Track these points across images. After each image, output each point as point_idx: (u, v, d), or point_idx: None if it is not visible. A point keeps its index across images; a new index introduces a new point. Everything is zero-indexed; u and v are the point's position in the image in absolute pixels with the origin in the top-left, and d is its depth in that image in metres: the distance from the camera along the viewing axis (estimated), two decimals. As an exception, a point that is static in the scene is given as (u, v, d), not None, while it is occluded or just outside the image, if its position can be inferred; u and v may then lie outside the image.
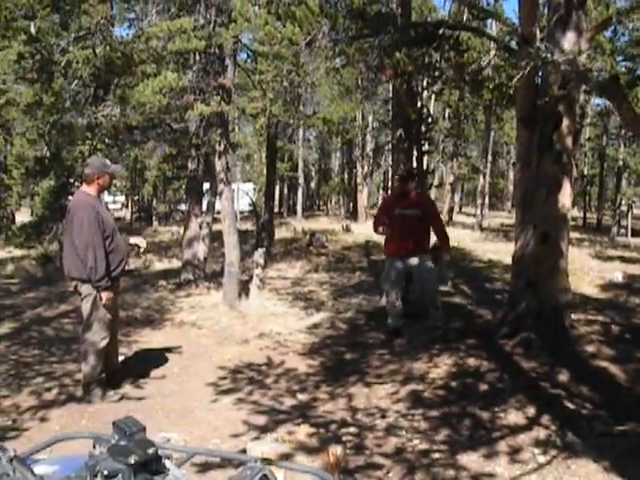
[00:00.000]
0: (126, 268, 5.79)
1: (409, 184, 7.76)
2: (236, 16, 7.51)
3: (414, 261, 7.54)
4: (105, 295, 5.30)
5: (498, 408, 5.08)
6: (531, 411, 4.99)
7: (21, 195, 14.89)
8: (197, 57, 9.50)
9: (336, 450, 2.78)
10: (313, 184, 44.47)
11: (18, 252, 14.58)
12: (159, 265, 14.88)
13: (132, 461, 1.22)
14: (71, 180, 13.06)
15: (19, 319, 8.56)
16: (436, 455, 4.20)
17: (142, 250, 6.38)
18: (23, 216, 17.94)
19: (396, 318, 7.75)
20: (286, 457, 2.56)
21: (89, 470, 1.30)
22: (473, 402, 5.24)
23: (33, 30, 12.56)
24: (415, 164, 9.25)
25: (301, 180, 35.23)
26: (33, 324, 8.31)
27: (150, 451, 1.27)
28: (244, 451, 3.88)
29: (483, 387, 5.70)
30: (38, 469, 1.72)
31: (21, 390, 5.67)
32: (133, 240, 6.04)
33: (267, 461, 1.70)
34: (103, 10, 12.30)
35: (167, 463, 1.40)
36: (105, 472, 1.25)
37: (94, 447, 1.42)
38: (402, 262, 7.59)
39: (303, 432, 3.00)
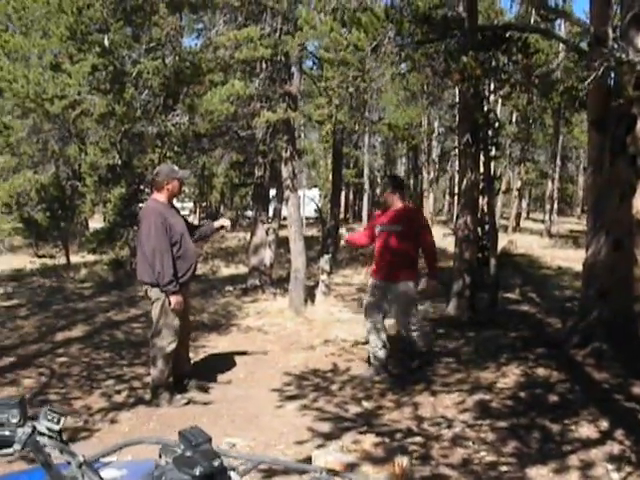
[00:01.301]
0: (195, 273, 5.84)
1: (392, 194, 6.42)
2: (302, 24, 7.56)
3: (393, 289, 6.25)
4: (173, 299, 5.38)
5: (569, 420, 4.92)
6: (604, 424, 4.81)
7: (94, 202, 15.33)
8: (264, 65, 9.62)
9: (402, 461, 2.74)
10: (379, 190, 44.29)
11: (91, 257, 15.01)
12: (226, 271, 15.11)
13: (197, 473, 1.22)
14: (141, 187, 13.38)
15: (91, 322, 8.81)
16: (504, 468, 4.10)
17: (228, 228, 6.42)
18: (96, 223, 18.48)
19: (377, 368, 6.40)
20: (351, 467, 2.53)
21: None
22: (542, 414, 5.09)
23: (106, 43, 12.94)
24: (482, 169, 9.11)
25: (367, 186, 35.14)
26: (104, 327, 8.54)
27: (215, 463, 1.27)
28: (309, 459, 3.88)
29: (553, 398, 5.54)
30: (106, 473, 1.74)
31: (92, 392, 5.82)
32: (217, 223, 6.10)
33: (332, 472, 1.68)
34: (173, 22, 12.59)
35: (232, 475, 1.40)
36: None
37: (160, 456, 1.43)
38: (381, 287, 6.35)
39: (369, 441, 2.97)
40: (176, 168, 5.86)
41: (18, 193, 16.82)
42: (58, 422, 1.30)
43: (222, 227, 6.16)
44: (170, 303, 5.39)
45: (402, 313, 6.30)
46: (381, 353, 6.38)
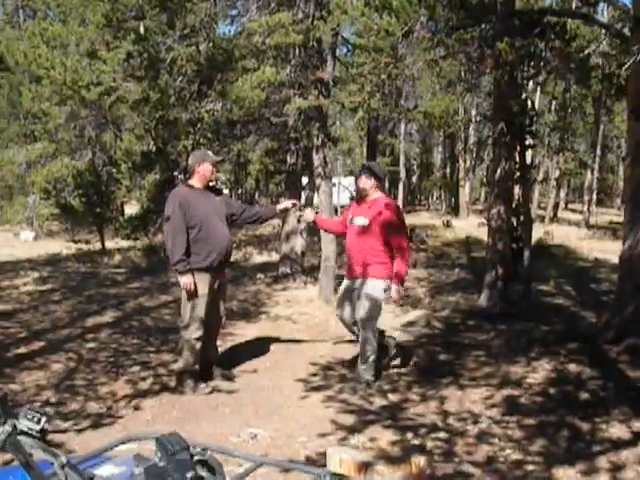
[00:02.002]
0: (226, 259, 5.74)
1: (367, 182, 5.75)
2: (333, 8, 7.45)
3: (359, 288, 5.66)
4: (182, 279, 5.36)
5: (600, 419, 4.77)
6: (636, 425, 4.64)
7: (129, 188, 15.46)
8: (296, 51, 9.52)
9: (419, 460, 2.65)
10: (414, 178, 43.97)
11: (125, 243, 15.16)
12: (258, 258, 15.12)
13: None
14: (175, 174, 13.42)
15: (121, 308, 8.87)
16: (530, 467, 3.98)
17: (294, 209, 6.30)
18: (133, 209, 18.67)
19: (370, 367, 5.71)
20: (366, 466, 2.45)
21: None
22: (573, 411, 4.94)
23: (142, 30, 12.97)
24: (517, 159, 8.90)
25: (402, 174, 34.88)
26: (134, 313, 8.58)
27: (189, 475, 1.19)
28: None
29: (584, 396, 5.38)
30: (105, 469, 1.70)
31: (118, 378, 5.84)
32: (280, 206, 6.14)
33: (338, 476, 1.62)
34: (207, 8, 12.55)
35: None
36: None
37: (138, 465, 1.38)
38: (350, 285, 5.79)
39: (385, 439, 2.89)
40: (209, 153, 5.86)
41: (55, 179, 17.08)
42: (39, 422, 1.25)
43: (286, 209, 6.12)
44: (194, 287, 5.36)
45: (363, 315, 5.59)
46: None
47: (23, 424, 1.24)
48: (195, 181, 5.60)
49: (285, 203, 6.16)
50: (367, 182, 5.74)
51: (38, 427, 1.25)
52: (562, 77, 8.07)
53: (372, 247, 5.59)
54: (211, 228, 5.48)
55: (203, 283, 5.42)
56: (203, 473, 1.32)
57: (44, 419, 1.25)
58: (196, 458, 1.39)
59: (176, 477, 1.16)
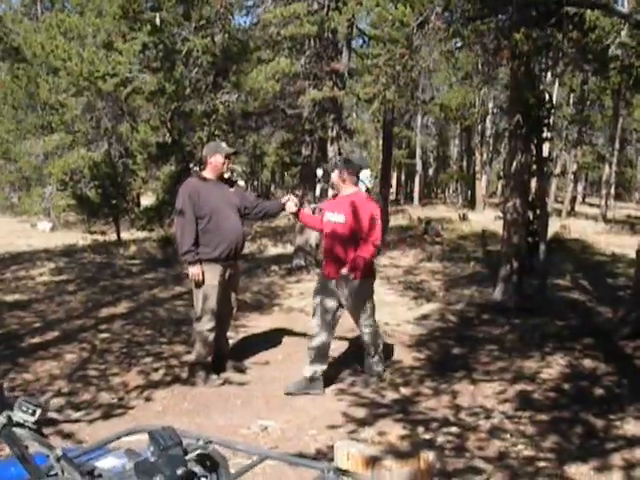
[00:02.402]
0: (237, 251, 5.68)
1: (340, 177, 5.40)
2: (348, -1, 7.40)
3: (343, 290, 5.30)
4: (190, 270, 5.35)
5: (614, 416, 4.71)
6: (652, 422, 4.59)
7: (144, 180, 15.51)
8: (311, 42, 9.47)
9: (428, 456, 2.61)
10: (431, 171, 43.80)
11: (140, 234, 15.20)
12: (273, 250, 15.12)
13: None
14: (190, 165, 13.43)
15: (136, 299, 8.90)
16: (542, 464, 3.93)
17: (290, 209, 6.13)
18: (148, 200, 18.74)
19: (317, 362, 5.43)
20: (374, 461, 2.42)
21: None
22: (587, 408, 4.88)
23: (158, 21, 12.97)
24: (534, 151, 8.81)
25: (419, 167, 34.76)
26: (148, 304, 8.61)
27: (179, 471, 1.16)
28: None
29: (599, 392, 5.33)
30: (106, 461, 1.68)
31: (130, 369, 5.85)
32: (284, 199, 5.98)
33: (341, 471, 1.60)
34: (223, -1, 12.53)
35: None
36: None
37: (129, 460, 1.35)
38: (333, 287, 5.34)
39: (395, 434, 2.87)
40: (223, 144, 5.84)
41: (72, 170, 17.16)
42: (33, 414, 1.22)
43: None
44: (202, 277, 5.35)
45: (364, 315, 5.46)
46: (325, 343, 5.46)
47: (18, 416, 1.22)
48: (207, 172, 5.59)
49: (284, 198, 6.03)
50: (340, 177, 5.41)
51: (33, 419, 1.23)
52: (580, 69, 7.94)
53: (349, 245, 5.26)
54: (221, 219, 5.45)
55: (212, 274, 5.39)
56: (196, 469, 1.29)
57: (39, 411, 1.23)
58: (198, 452, 1.36)
59: (166, 473, 1.14)
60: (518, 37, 6.05)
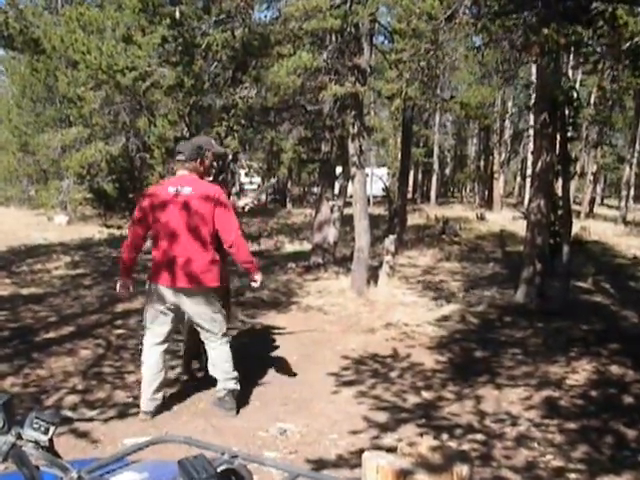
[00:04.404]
0: None
1: (183, 168, 4.66)
2: (373, -8, 7.24)
3: (185, 302, 4.54)
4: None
5: (646, 426, 4.54)
6: (686, 433, 4.42)
7: (162, 175, 15.41)
8: (333, 37, 9.32)
9: (461, 470, 2.47)
10: (448, 170, 43.48)
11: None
12: (290, 247, 14.99)
13: None
14: (208, 161, 13.33)
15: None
16: (572, 475, 3.77)
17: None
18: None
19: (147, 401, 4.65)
20: (405, 474, 2.28)
21: None
22: (616, 416, 4.72)
23: (177, 15, 12.88)
24: (559, 151, 8.62)
25: (436, 166, 34.50)
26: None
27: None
28: (361, 452, 3.63)
29: (628, 400, 5.15)
30: (125, 476, 1.55)
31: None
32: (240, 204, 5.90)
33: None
34: (243, -7, 12.40)
35: None
36: None
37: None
38: (169, 296, 4.53)
39: (425, 444, 2.73)
40: (213, 142, 5.65)
41: (89, 164, 17.10)
42: (46, 432, 1.09)
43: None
44: None
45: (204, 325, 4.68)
46: (156, 383, 4.68)
47: (28, 434, 1.08)
48: None
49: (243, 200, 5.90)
50: (182, 169, 4.68)
51: (46, 437, 1.09)
52: (610, 67, 7.72)
53: (201, 246, 4.55)
54: None
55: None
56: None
57: (52, 428, 1.09)
58: (224, 467, 1.23)
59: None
60: (548, 32, 5.87)
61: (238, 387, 4.75)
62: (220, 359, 4.71)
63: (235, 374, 4.72)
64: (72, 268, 10.90)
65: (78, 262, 11.55)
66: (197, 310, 4.58)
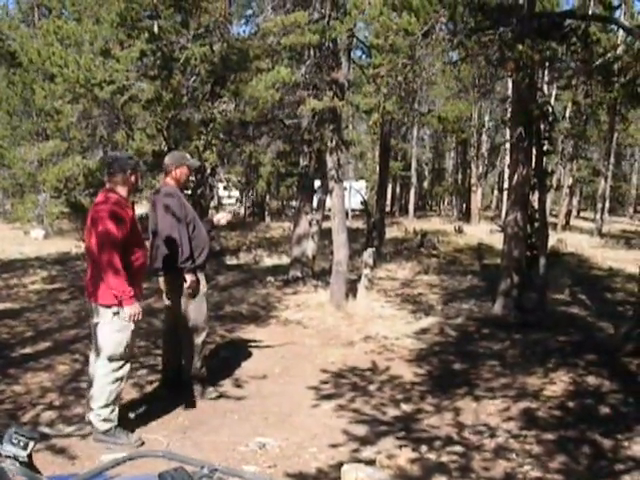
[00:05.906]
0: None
1: (109, 182, 4.57)
2: (350, 8, 7.30)
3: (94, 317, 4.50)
4: (190, 278, 5.21)
5: (622, 436, 4.59)
6: (661, 443, 4.47)
7: (139, 188, 15.35)
8: (311, 52, 9.39)
9: (439, 481, 2.50)
10: (426, 184, 43.77)
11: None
12: (269, 261, 14.95)
13: None
14: (186, 174, 13.31)
15: (130, 310, 8.72)
16: (551, 485, 3.81)
17: (220, 223, 6.02)
18: (143, 209, 18.59)
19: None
20: (383, 485, 2.30)
21: None
22: (593, 427, 4.77)
23: (156, 29, 12.90)
24: (535, 164, 8.73)
25: (414, 179, 34.71)
26: (143, 315, 8.41)
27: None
28: (341, 465, 3.65)
29: (604, 410, 5.20)
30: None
31: (125, 381, 5.69)
32: (216, 218, 5.92)
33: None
34: (222, 8, 12.47)
35: None
36: None
37: None
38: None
39: (404, 456, 2.75)
40: (188, 156, 5.70)
41: (66, 177, 16.98)
42: (25, 447, 1.09)
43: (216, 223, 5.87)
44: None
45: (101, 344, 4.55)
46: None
47: (7, 449, 1.09)
48: (171, 182, 5.36)
49: (220, 215, 5.98)
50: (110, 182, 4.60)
51: (25, 453, 1.09)
52: (584, 82, 7.87)
53: (98, 264, 4.52)
54: (199, 227, 5.34)
55: (203, 282, 5.33)
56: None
57: (32, 443, 1.10)
58: None
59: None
60: (523, 48, 5.98)
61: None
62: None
63: None
64: (49, 283, 10.80)
65: (55, 277, 11.45)
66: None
